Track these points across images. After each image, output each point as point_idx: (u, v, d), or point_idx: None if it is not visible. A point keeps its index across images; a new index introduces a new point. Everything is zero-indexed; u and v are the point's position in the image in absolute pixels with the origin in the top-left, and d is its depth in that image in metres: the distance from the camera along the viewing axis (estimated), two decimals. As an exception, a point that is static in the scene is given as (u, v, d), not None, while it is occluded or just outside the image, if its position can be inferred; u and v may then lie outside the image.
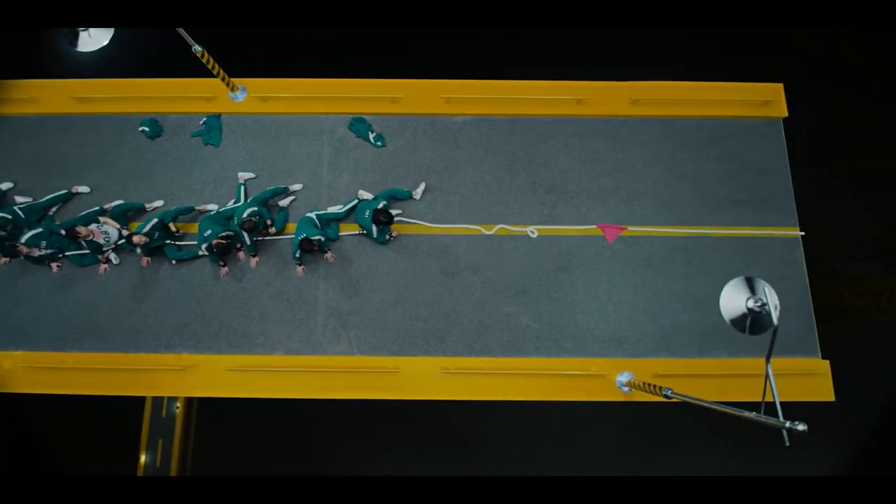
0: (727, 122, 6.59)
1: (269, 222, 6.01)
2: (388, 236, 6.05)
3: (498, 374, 5.83)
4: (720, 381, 5.88)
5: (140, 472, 11.38)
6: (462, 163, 6.46)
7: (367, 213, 5.74)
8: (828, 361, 5.89)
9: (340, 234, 6.17)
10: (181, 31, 5.10)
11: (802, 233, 6.29)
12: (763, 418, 3.30)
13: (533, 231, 6.25)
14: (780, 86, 6.60)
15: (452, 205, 6.34)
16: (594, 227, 6.27)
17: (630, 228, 6.27)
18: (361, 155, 6.47)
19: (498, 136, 6.55)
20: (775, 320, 3.17)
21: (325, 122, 6.56)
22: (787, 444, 3.16)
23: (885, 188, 8.43)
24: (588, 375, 5.85)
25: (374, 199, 6.01)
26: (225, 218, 5.96)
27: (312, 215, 5.91)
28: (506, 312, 6.06)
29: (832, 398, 5.81)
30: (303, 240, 5.53)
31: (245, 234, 5.72)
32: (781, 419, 3.15)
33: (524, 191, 6.40)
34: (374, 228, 5.75)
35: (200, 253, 5.85)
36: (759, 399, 5.95)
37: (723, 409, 3.70)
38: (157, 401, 11.67)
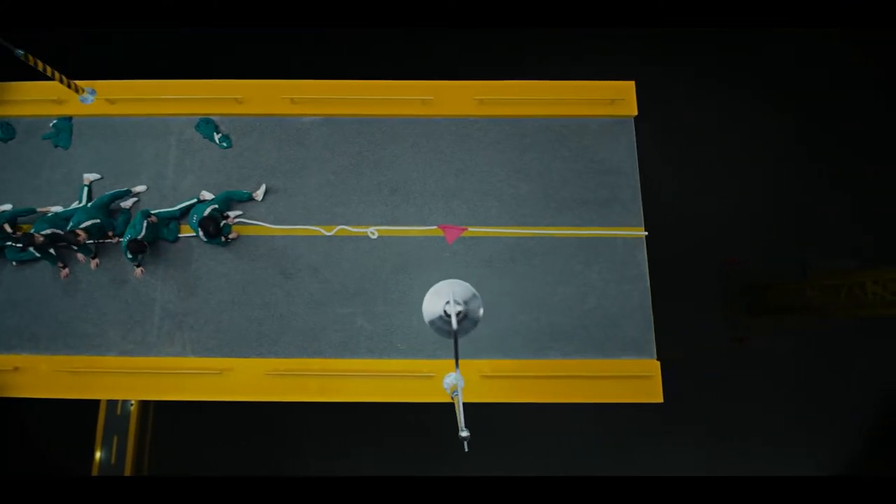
0: (577, 122, 6.53)
1: (110, 233, 6.03)
2: (224, 238, 6.05)
3: (327, 375, 5.85)
4: (547, 383, 5.86)
5: (95, 470, 11.56)
6: (308, 163, 6.45)
7: (196, 217, 5.75)
8: (658, 363, 5.85)
9: (180, 235, 6.20)
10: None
11: (646, 233, 6.23)
12: (461, 425, 3.30)
13: (373, 232, 6.24)
14: (632, 83, 6.52)
15: (295, 206, 6.34)
16: (435, 227, 6.25)
17: (471, 229, 6.25)
18: (207, 156, 6.48)
19: (345, 137, 6.53)
20: (455, 325, 3.16)
21: (174, 124, 6.56)
22: (466, 450, 3.16)
23: (744, 188, 8.34)
24: (417, 376, 5.86)
25: (212, 200, 6.01)
26: (63, 219, 5.99)
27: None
28: (341, 313, 6.07)
29: (661, 399, 5.78)
30: (129, 241, 5.56)
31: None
32: (461, 427, 3.15)
33: (369, 191, 6.39)
34: (201, 232, 5.75)
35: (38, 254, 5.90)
36: (586, 400, 5.94)
37: (458, 409, 3.70)
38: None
